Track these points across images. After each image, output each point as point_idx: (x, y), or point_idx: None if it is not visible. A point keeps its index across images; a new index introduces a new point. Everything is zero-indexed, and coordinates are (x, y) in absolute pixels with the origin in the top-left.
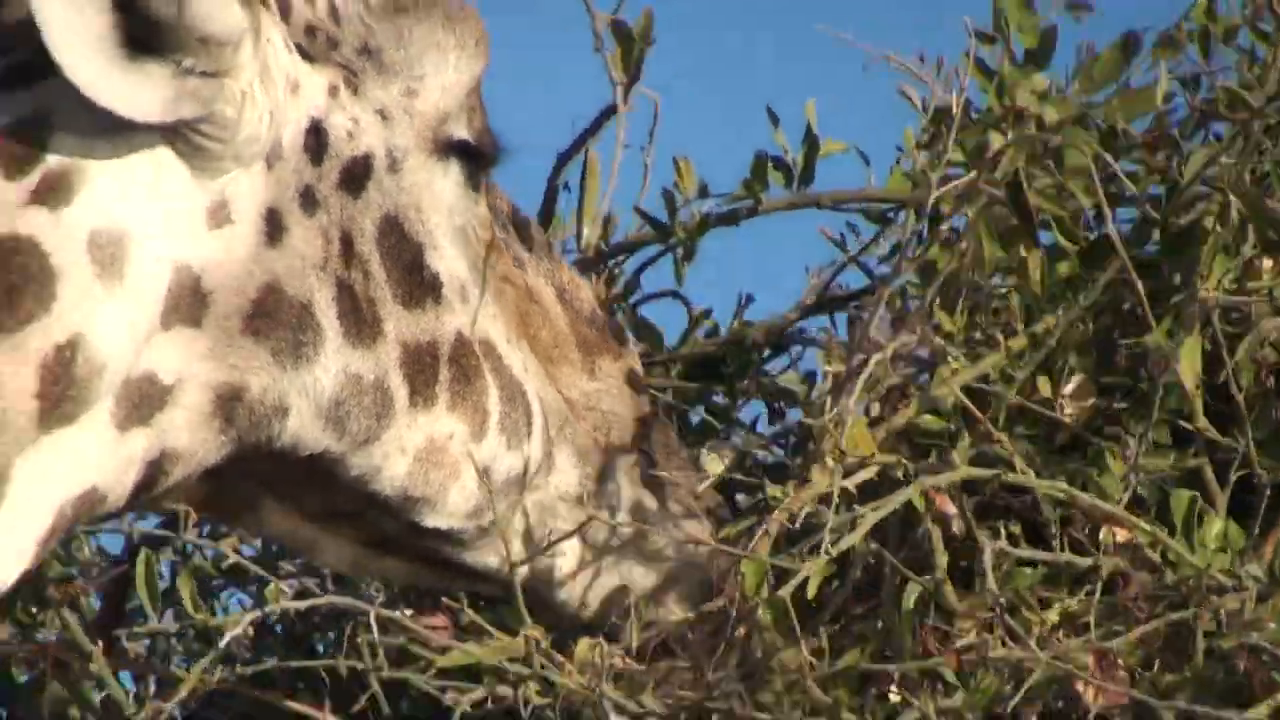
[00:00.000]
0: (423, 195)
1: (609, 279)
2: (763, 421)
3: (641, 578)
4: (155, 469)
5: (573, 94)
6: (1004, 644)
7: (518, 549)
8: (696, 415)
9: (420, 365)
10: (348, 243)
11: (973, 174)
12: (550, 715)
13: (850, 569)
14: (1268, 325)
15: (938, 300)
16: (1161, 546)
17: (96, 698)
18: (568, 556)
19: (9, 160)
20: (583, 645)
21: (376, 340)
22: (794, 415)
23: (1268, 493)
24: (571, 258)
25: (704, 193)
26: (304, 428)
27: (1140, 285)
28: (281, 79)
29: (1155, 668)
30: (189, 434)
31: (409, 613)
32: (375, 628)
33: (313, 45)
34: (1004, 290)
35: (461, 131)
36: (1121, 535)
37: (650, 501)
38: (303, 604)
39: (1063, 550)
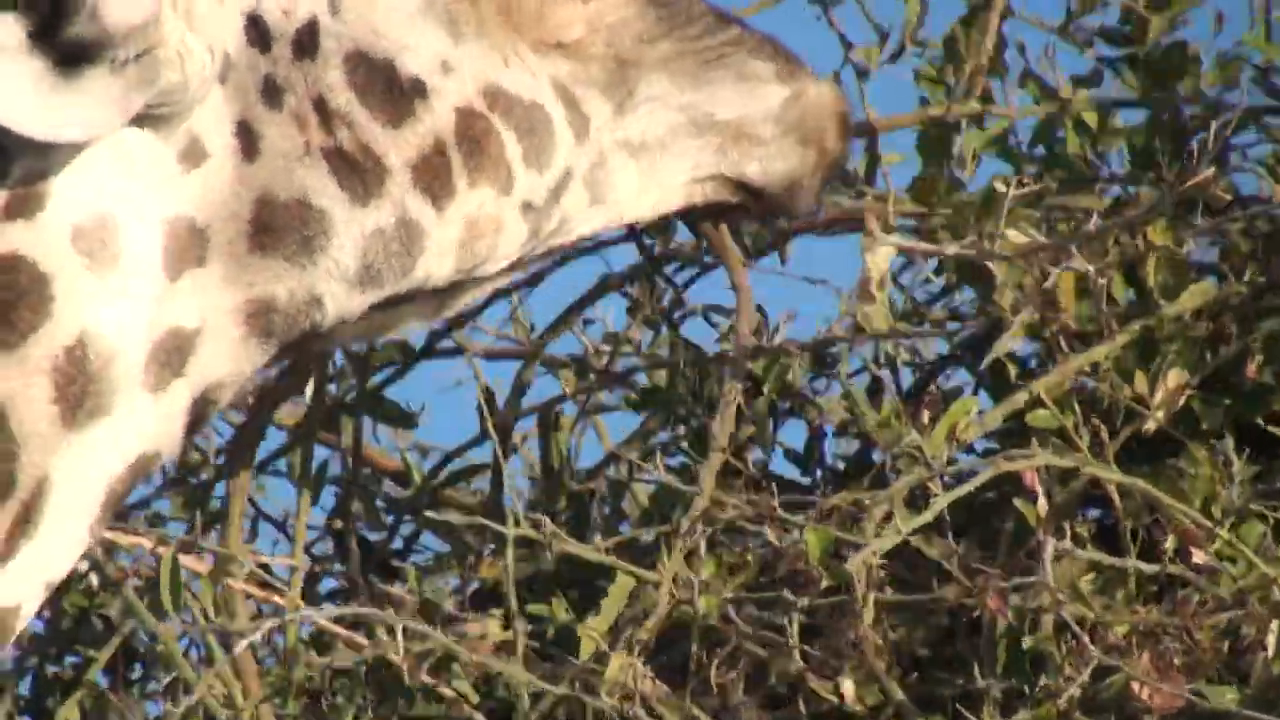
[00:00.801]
0: (373, 14)
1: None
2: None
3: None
4: (203, 404)
5: None
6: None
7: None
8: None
9: (433, 170)
10: (322, 107)
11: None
12: None
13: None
14: None
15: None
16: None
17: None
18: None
19: None
20: (613, 665)
21: (384, 181)
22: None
23: None
24: None
25: None
26: (343, 303)
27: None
28: (205, 3)
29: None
30: (230, 361)
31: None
32: (401, 639)
33: None
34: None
35: None
36: (1198, 556)
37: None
38: (323, 615)
39: (1136, 553)
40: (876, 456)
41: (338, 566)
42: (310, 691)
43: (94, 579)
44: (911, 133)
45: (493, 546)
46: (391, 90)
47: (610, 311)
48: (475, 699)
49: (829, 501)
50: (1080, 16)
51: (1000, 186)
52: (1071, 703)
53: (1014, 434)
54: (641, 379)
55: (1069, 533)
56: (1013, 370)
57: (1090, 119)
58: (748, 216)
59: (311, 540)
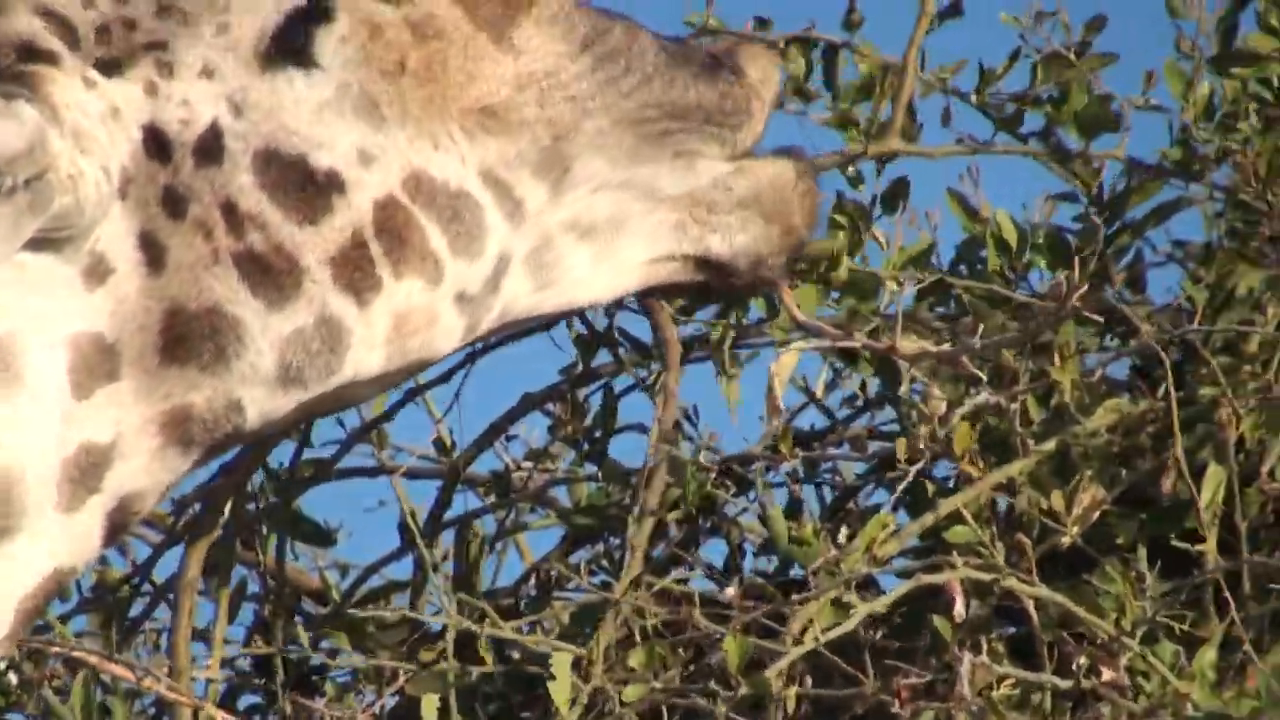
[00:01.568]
0: (281, 112)
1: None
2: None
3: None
4: (122, 515)
5: None
6: None
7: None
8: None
9: (353, 265)
10: (231, 210)
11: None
12: None
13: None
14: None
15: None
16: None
17: None
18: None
19: None
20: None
21: (301, 281)
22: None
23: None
24: None
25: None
26: (264, 406)
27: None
28: (97, 123)
29: None
30: (147, 474)
31: None
32: None
33: (111, 46)
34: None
35: (281, 18)
36: (1107, 674)
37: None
38: None
39: (1052, 666)
40: (796, 572)
41: (257, 682)
42: None
43: (12, 678)
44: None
45: (411, 666)
46: (306, 187)
47: (532, 431)
48: None
49: (747, 616)
50: (992, 84)
51: (894, 286)
52: None
53: (932, 553)
54: (563, 497)
55: (985, 647)
56: (930, 488)
57: (1010, 237)
58: (709, 296)
59: (231, 656)
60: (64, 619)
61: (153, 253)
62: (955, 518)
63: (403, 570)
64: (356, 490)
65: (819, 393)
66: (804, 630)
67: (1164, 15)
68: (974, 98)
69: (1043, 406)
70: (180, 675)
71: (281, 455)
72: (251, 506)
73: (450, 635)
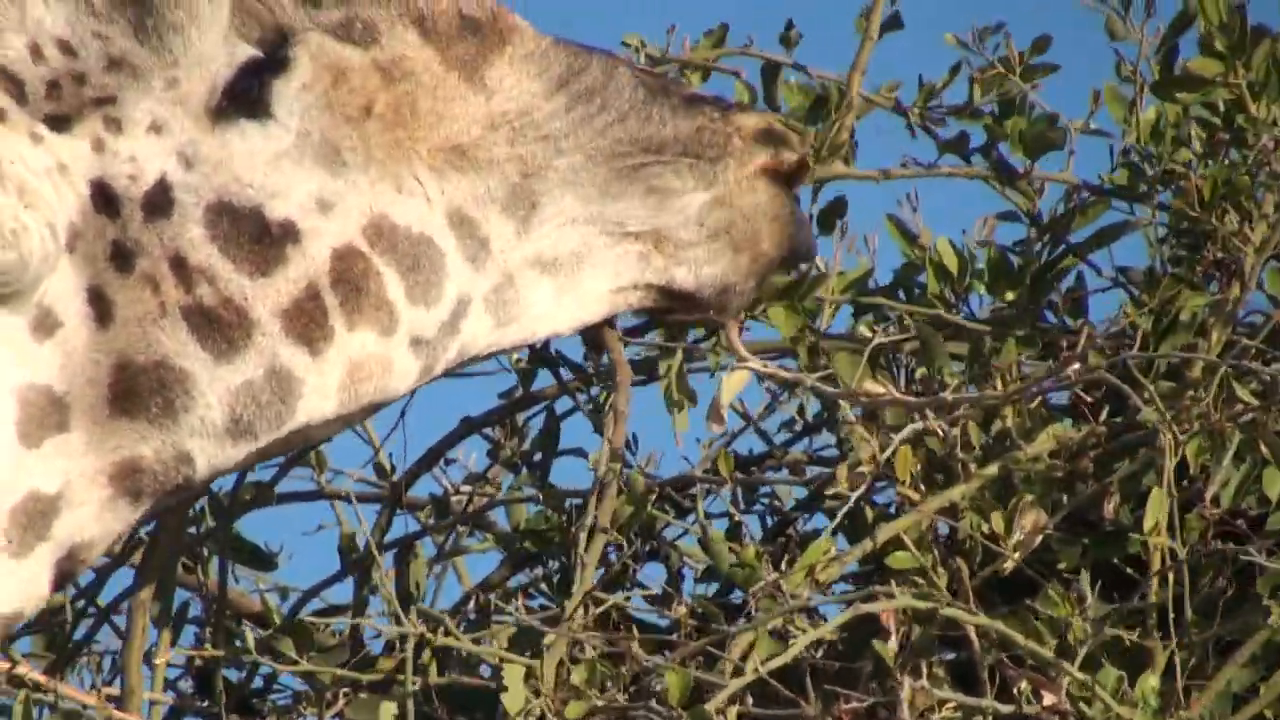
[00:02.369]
0: (234, 164)
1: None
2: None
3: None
4: (71, 562)
5: None
6: None
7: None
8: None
9: (306, 316)
10: (180, 264)
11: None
12: None
13: None
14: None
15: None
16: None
17: None
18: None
19: None
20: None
21: (250, 333)
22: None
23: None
24: None
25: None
26: (214, 457)
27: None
28: (44, 179)
29: None
30: (97, 523)
31: None
32: None
33: (61, 101)
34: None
35: (233, 71)
36: (1049, 699)
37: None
38: None
39: (994, 690)
40: (736, 597)
41: (200, 704)
42: None
43: None
44: None
45: (347, 689)
46: (261, 239)
47: (471, 455)
48: None
49: (689, 648)
50: (933, 98)
51: (866, 332)
52: None
53: (874, 577)
54: (502, 520)
55: (926, 671)
56: (870, 513)
57: (951, 263)
58: (675, 320)
59: (174, 678)
60: (9, 639)
61: (101, 307)
62: (896, 543)
63: (343, 594)
64: (296, 514)
65: (756, 416)
66: (744, 657)
67: (1105, 38)
68: (913, 113)
69: (984, 431)
70: (131, 695)
71: (222, 479)
72: (192, 530)
73: (410, 645)
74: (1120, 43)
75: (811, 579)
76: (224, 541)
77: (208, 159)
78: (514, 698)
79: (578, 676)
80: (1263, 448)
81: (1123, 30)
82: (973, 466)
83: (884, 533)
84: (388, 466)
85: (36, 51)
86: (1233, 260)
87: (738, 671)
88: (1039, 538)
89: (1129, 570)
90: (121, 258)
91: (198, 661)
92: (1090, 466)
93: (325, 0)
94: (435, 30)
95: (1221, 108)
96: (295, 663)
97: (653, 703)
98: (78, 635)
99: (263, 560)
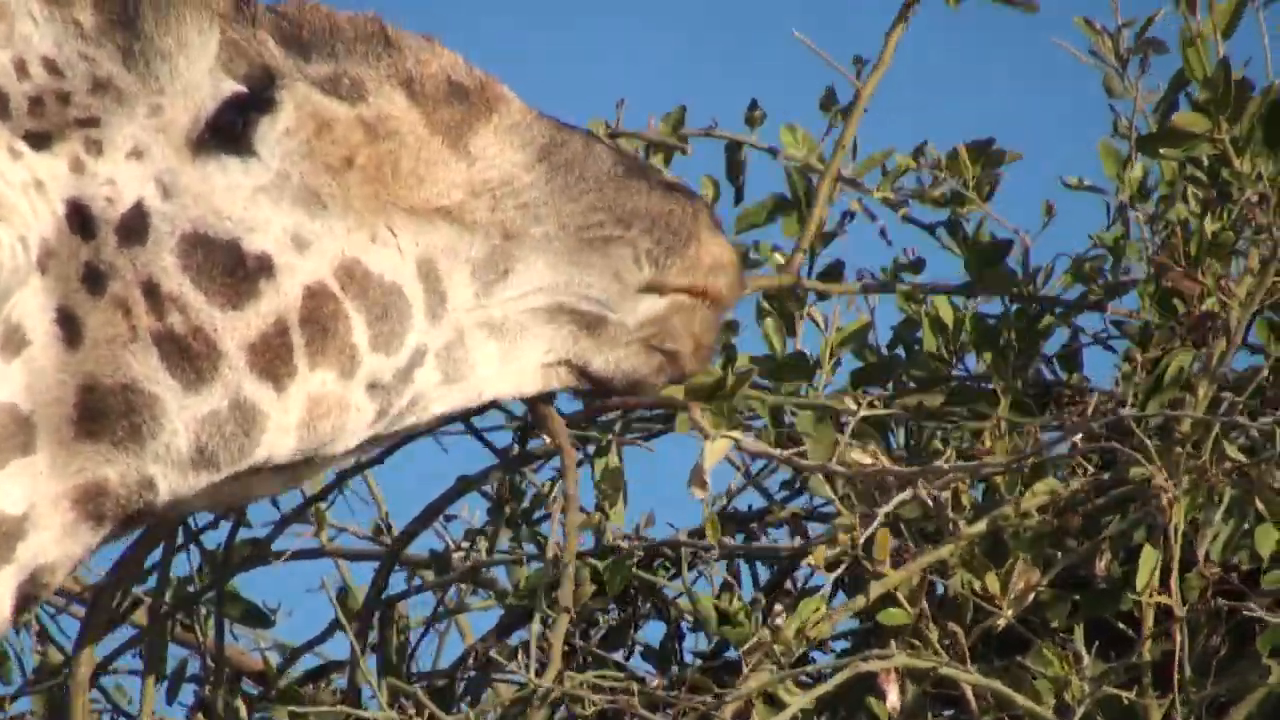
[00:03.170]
0: (212, 196)
1: None
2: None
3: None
4: (33, 585)
5: None
6: None
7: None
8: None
9: (273, 352)
10: (152, 291)
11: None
12: None
13: None
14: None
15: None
16: None
17: None
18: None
19: None
20: None
21: (218, 364)
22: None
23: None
24: None
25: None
26: (176, 485)
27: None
28: (19, 194)
29: None
30: (59, 547)
31: None
32: None
33: (43, 119)
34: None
35: (218, 104)
36: None
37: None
38: None
39: None
40: (733, 653)
41: None
42: None
43: None
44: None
45: None
46: (234, 272)
47: (475, 513)
48: None
49: (685, 702)
50: (896, 179)
51: (850, 403)
52: None
53: (870, 633)
54: (503, 577)
55: None
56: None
57: (948, 317)
58: (584, 396)
59: None
60: (12, 698)
61: (70, 327)
62: (889, 599)
63: (341, 649)
64: (297, 570)
65: (755, 473)
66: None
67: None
68: (877, 193)
69: (973, 487)
70: None
71: (218, 536)
72: (190, 588)
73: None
74: (1117, 100)
75: (803, 636)
76: (221, 599)
77: (186, 189)
78: None
79: None
80: (1259, 503)
81: (1120, 88)
82: (963, 524)
83: (875, 589)
84: (387, 523)
85: (22, 68)
86: (1217, 316)
87: None
88: (1030, 595)
89: (1121, 626)
90: (94, 279)
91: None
92: (1080, 523)
93: (314, 53)
94: (423, 94)
95: (1206, 162)
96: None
97: None
98: None
99: (260, 617)
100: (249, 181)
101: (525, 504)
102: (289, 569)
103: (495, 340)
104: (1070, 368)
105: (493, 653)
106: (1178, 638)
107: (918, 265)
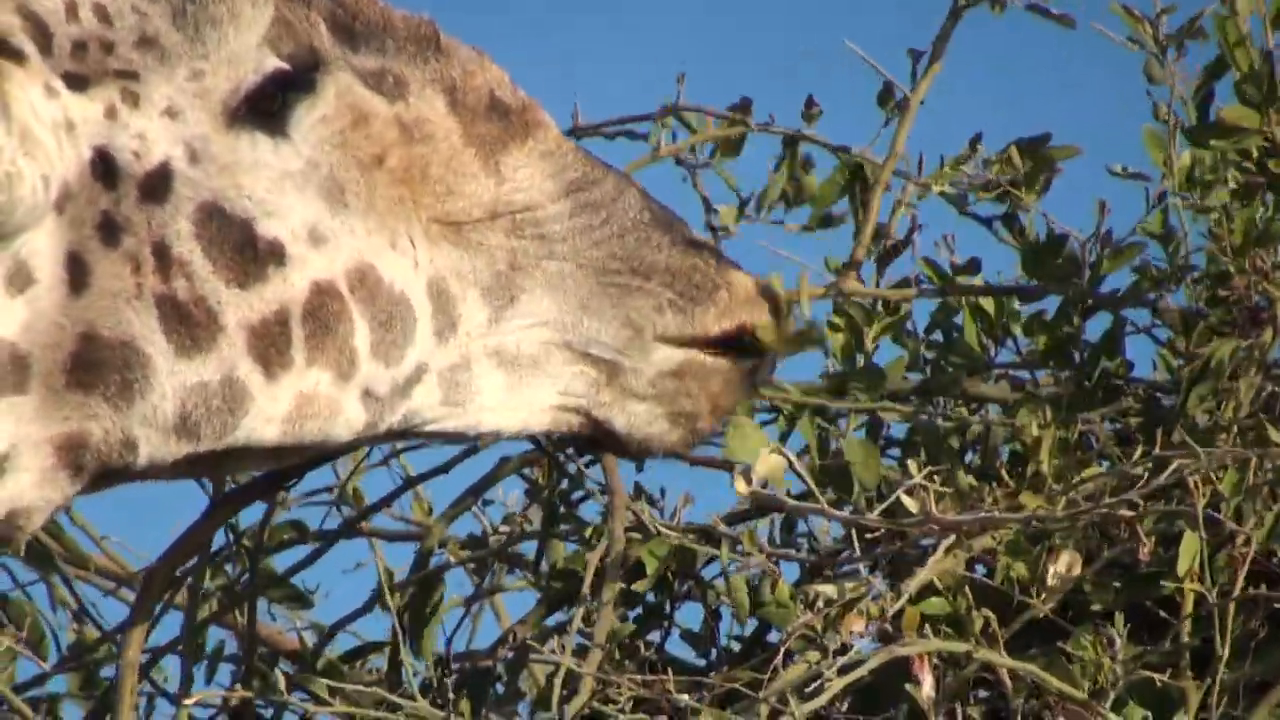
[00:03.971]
0: (238, 170)
1: None
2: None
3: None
4: (8, 527)
5: None
6: None
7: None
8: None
9: (271, 338)
10: (162, 253)
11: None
12: None
13: None
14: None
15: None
16: None
17: None
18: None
19: None
20: None
21: (216, 338)
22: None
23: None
24: None
25: None
26: (157, 449)
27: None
28: (49, 131)
29: None
30: (35, 490)
31: None
32: None
33: (84, 63)
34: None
35: (259, 79)
36: None
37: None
38: None
39: None
40: (773, 637)
41: None
42: None
43: None
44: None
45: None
46: (244, 250)
47: (512, 495)
48: None
49: (723, 683)
50: (956, 167)
51: (913, 467)
52: None
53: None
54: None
55: (960, 715)
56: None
57: (988, 305)
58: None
59: (209, 717)
60: (42, 679)
61: (78, 274)
62: (931, 588)
63: (378, 628)
64: (334, 551)
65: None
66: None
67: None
68: (935, 187)
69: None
70: None
71: (254, 514)
72: (228, 569)
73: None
74: (1156, 86)
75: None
76: (259, 580)
77: (214, 159)
78: None
79: None
80: None
81: (1160, 74)
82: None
83: (916, 579)
84: (426, 505)
85: (72, 10)
86: (1264, 305)
87: (774, 714)
88: (1072, 582)
89: (1160, 612)
90: (108, 230)
91: (233, 701)
92: (1124, 509)
93: (363, 45)
94: (464, 104)
95: (1255, 154)
96: (328, 703)
97: None
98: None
99: (299, 598)
100: (278, 163)
101: (564, 485)
102: (329, 553)
103: (503, 372)
104: (1112, 355)
105: (529, 639)
106: (1210, 619)
107: (974, 266)
